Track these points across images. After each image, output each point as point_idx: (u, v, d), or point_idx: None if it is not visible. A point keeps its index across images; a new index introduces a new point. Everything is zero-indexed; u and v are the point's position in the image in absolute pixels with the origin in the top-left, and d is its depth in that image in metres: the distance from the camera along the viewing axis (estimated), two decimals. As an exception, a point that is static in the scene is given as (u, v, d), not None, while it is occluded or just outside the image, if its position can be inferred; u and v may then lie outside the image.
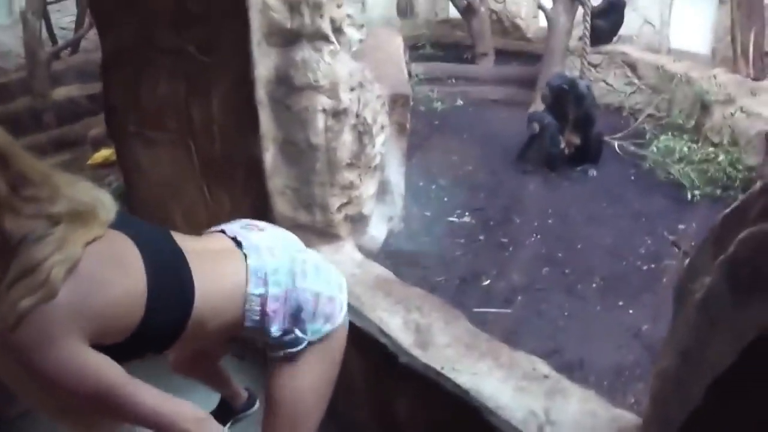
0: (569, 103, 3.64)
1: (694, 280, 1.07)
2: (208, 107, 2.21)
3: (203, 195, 2.46)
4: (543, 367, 1.67)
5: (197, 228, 2.50)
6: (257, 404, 2.34)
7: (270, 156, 2.13)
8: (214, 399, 2.25)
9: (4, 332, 1.01)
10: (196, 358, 1.80)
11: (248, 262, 1.36)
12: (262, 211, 2.20)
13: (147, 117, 2.43)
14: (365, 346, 1.86)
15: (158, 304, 1.17)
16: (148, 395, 1.15)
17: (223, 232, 1.50)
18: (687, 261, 1.20)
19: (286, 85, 2.03)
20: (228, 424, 2.23)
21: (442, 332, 1.86)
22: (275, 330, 1.37)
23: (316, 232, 2.20)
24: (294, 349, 1.39)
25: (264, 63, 2.02)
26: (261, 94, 2.05)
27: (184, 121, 2.34)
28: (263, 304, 1.35)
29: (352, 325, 1.59)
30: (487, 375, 1.63)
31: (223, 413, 2.24)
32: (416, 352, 1.73)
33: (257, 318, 1.36)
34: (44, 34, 5.95)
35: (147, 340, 1.22)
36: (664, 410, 1.14)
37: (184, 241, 1.34)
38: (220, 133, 2.24)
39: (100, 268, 1.09)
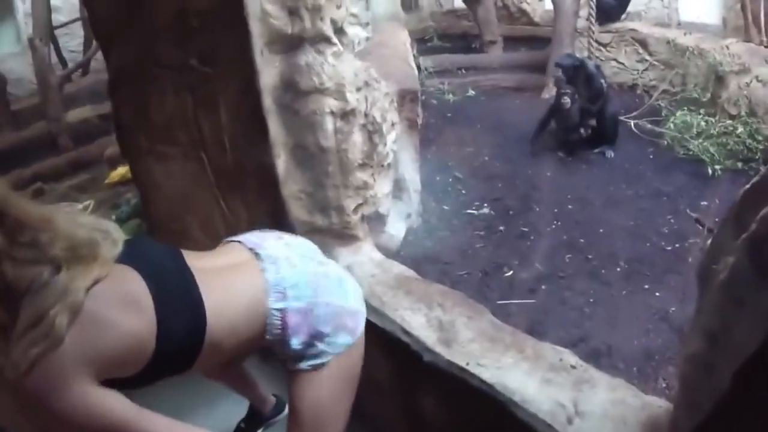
0: (582, 83, 3.57)
1: (718, 259, 1.04)
2: (217, 118, 2.22)
3: (219, 206, 2.47)
4: (569, 357, 1.64)
5: (215, 239, 2.51)
6: (286, 410, 2.35)
7: (282, 162, 2.13)
8: (243, 406, 2.27)
9: (17, 379, 1.04)
10: (223, 363, 1.80)
11: (266, 276, 1.36)
12: (278, 217, 2.21)
13: (157, 132, 2.44)
14: (389, 346, 1.85)
15: (169, 334, 1.19)
16: (161, 426, 1.18)
17: (240, 242, 1.49)
18: (709, 240, 1.17)
19: (293, 91, 2.03)
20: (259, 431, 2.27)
21: (465, 327, 1.84)
22: (296, 343, 1.37)
23: (334, 234, 2.19)
24: (317, 362, 1.40)
25: (268, 70, 2.02)
26: (268, 101, 2.05)
27: (195, 133, 2.35)
28: (284, 318, 1.35)
29: (374, 326, 1.59)
30: (513, 368, 1.60)
31: (254, 420, 2.25)
32: (440, 350, 1.71)
33: (278, 331, 1.36)
34: (54, 58, 6.05)
35: (164, 367, 1.23)
36: (694, 396, 1.11)
37: (196, 261, 1.34)
38: (231, 143, 2.25)
39: (104, 310, 1.11)
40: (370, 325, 1.57)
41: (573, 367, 1.61)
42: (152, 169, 2.61)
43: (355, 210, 2.15)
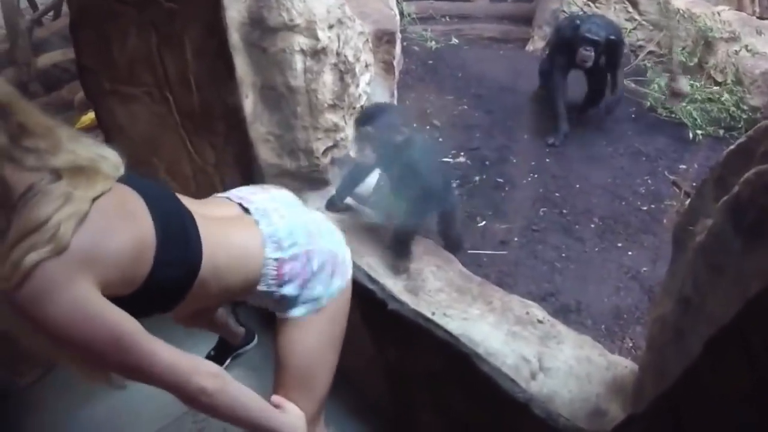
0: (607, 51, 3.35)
1: (695, 222, 1.00)
2: (182, 57, 2.11)
3: (186, 148, 2.39)
4: (537, 312, 1.62)
5: (183, 182, 2.47)
6: (255, 340, 2.36)
7: (250, 103, 2.05)
8: (212, 339, 2.29)
9: (8, 292, 0.96)
10: (197, 311, 1.76)
11: (260, 228, 1.35)
12: (246, 160, 2.14)
13: (120, 73, 2.33)
14: (355, 293, 1.81)
15: (166, 257, 1.14)
16: (164, 350, 1.11)
17: (228, 198, 1.47)
18: (687, 201, 1.12)
19: (260, 27, 1.93)
20: (227, 361, 2.33)
21: (433, 277, 1.81)
22: (290, 290, 1.36)
23: (303, 178, 2.14)
24: (314, 306, 1.38)
25: (235, 5, 1.92)
26: (234, 38, 1.95)
27: (159, 73, 2.24)
28: (279, 267, 1.34)
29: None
30: (479, 320, 1.58)
31: (223, 350, 2.33)
32: (406, 299, 1.68)
33: (273, 281, 1.34)
34: (24, 2, 5.79)
35: (153, 296, 1.18)
36: (661, 359, 1.08)
37: (191, 204, 1.31)
38: (197, 83, 2.15)
39: (109, 217, 1.06)
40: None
41: (540, 321, 1.59)
42: (116, 112, 2.50)
43: (325, 153, 2.08)
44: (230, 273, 1.30)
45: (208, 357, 2.34)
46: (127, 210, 1.11)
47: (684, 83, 3.65)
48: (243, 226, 1.35)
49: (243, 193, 1.48)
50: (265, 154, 2.12)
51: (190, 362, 1.14)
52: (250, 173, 2.15)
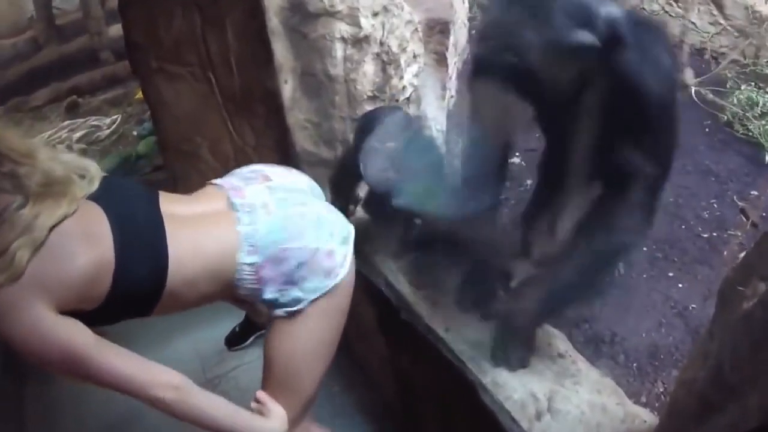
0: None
1: (747, 282, 0.84)
2: (224, 39, 2.09)
3: (227, 128, 2.39)
4: (560, 344, 1.47)
5: (225, 162, 2.46)
6: None
7: (289, 88, 1.99)
8: (239, 315, 2.33)
9: None
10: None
11: (239, 228, 1.30)
12: (284, 145, 2.10)
13: (166, 52, 2.36)
14: (373, 294, 1.73)
15: (126, 276, 1.18)
16: (119, 361, 1.17)
17: (222, 187, 1.43)
18: (742, 255, 0.96)
19: (301, 12, 1.86)
20: (251, 339, 2.41)
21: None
22: (270, 293, 1.33)
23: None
24: (294, 308, 1.34)
25: (275, -11, 1.85)
26: (274, 22, 1.89)
27: (203, 54, 2.25)
28: (257, 272, 1.30)
29: (358, 271, 1.47)
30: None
31: (249, 327, 2.39)
32: (422, 310, 1.57)
33: (252, 286, 1.32)
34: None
35: (118, 309, 1.24)
36: (681, 428, 0.93)
37: (171, 205, 1.32)
38: (238, 66, 2.13)
39: (66, 243, 1.13)
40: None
41: (560, 355, 1.45)
42: (162, 89, 2.53)
43: (362, 145, 2.00)
44: (203, 281, 1.28)
45: (233, 333, 2.43)
46: (88, 233, 1.16)
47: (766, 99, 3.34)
48: (221, 226, 1.32)
49: (240, 181, 1.44)
50: (303, 141, 2.07)
51: (149, 372, 1.19)
52: (287, 159, 2.10)
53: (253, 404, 1.34)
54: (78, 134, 4.04)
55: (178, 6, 2.14)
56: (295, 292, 1.33)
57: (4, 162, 1.11)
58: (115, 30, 5.47)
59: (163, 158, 2.97)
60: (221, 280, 1.30)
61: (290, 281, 1.32)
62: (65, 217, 1.14)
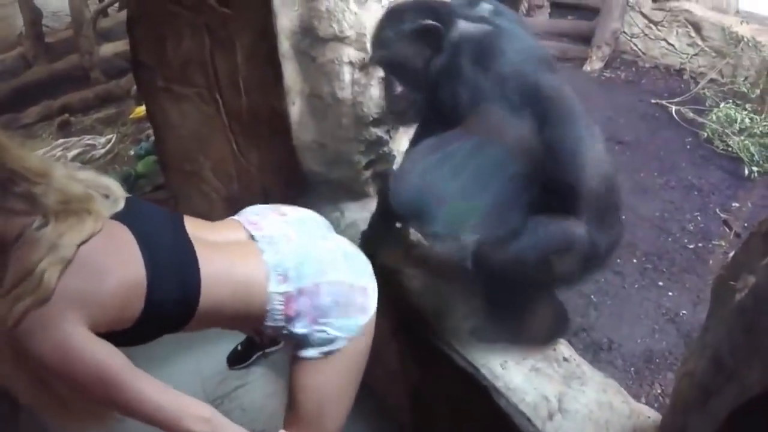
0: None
1: (737, 277, 0.93)
2: (233, 61, 2.15)
3: (232, 149, 2.43)
4: (564, 349, 1.55)
5: (227, 182, 2.51)
6: (282, 342, 2.37)
7: (296, 110, 2.06)
8: (240, 334, 2.30)
9: (5, 331, 1.01)
10: None
11: (264, 258, 1.28)
12: (290, 166, 2.15)
13: (173, 72, 2.40)
14: (385, 307, 1.78)
15: (159, 296, 1.14)
16: (152, 388, 1.11)
17: (239, 221, 1.42)
18: (732, 251, 1.06)
19: (311, 36, 1.93)
20: (253, 358, 2.36)
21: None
22: (300, 327, 1.28)
23: (344, 188, 2.13)
24: (330, 348, 1.29)
25: (286, 13, 1.92)
26: (285, 46, 1.96)
27: (210, 75, 2.30)
28: (287, 302, 1.27)
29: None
30: (503, 352, 1.52)
31: (249, 348, 2.35)
32: (430, 320, 1.64)
33: (280, 317, 1.27)
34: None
35: (148, 330, 1.19)
36: (684, 420, 1.02)
37: (197, 230, 1.29)
38: (246, 87, 2.18)
39: (96, 261, 1.08)
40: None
41: (566, 359, 1.53)
42: (167, 109, 2.57)
43: (367, 166, 2.07)
44: (232, 307, 1.25)
45: (235, 351, 2.39)
46: (116, 252, 1.12)
47: (743, 116, 3.50)
48: (247, 255, 1.29)
49: (255, 217, 1.42)
50: (309, 161, 2.12)
51: (180, 404, 1.12)
52: (292, 179, 2.16)
53: None
54: (73, 153, 4.05)
55: (188, 27, 2.18)
56: (333, 332, 1.28)
57: (18, 181, 1.06)
58: (106, 49, 5.55)
59: (165, 177, 3.00)
60: (249, 308, 1.26)
61: (324, 317, 1.28)
62: (92, 235, 1.09)
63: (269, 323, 1.28)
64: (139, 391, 1.09)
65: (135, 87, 4.42)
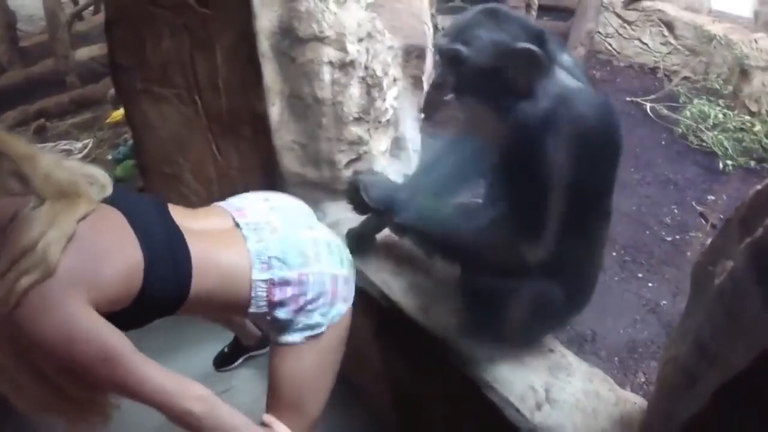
0: None
1: (716, 262, 0.95)
2: (213, 61, 2.14)
3: (212, 151, 2.41)
4: (549, 341, 1.58)
5: (207, 184, 2.50)
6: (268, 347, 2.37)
7: (276, 110, 2.06)
8: (227, 337, 2.31)
9: (4, 314, 1.00)
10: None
11: (248, 246, 1.31)
12: (270, 167, 2.15)
13: (153, 74, 2.37)
14: (368, 308, 1.80)
15: (156, 277, 1.16)
16: (152, 368, 1.13)
17: (223, 207, 1.45)
18: (709, 240, 1.08)
19: (291, 37, 1.94)
20: (239, 361, 2.34)
21: (447, 297, 1.78)
22: (283, 314, 1.31)
23: (324, 188, 2.13)
24: (313, 333, 1.34)
25: (266, 14, 1.93)
26: (264, 46, 1.96)
27: (190, 76, 2.28)
28: (270, 290, 1.30)
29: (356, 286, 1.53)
30: (489, 346, 1.54)
31: (237, 349, 2.34)
32: (418, 317, 1.66)
33: (263, 304, 1.31)
34: (66, -5, 5.93)
35: (143, 313, 1.20)
36: (670, 403, 1.04)
37: (183, 219, 1.31)
38: (225, 88, 2.18)
39: (96, 238, 1.09)
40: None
41: (551, 351, 1.55)
42: (146, 111, 2.54)
43: (347, 165, 2.07)
44: (219, 293, 1.27)
45: (221, 354, 2.37)
46: (112, 233, 1.14)
47: (716, 111, 3.58)
48: (231, 243, 1.32)
49: (241, 203, 1.45)
50: (289, 162, 2.13)
51: (179, 384, 1.15)
52: (273, 180, 2.16)
53: (261, 428, 1.33)
54: (49, 158, 3.98)
55: (167, 28, 2.16)
56: (315, 319, 1.33)
57: (3, 162, 1.07)
58: (81, 53, 5.48)
59: (144, 180, 2.97)
60: (235, 295, 1.29)
61: (309, 306, 1.32)
62: (87, 214, 1.10)
63: (253, 310, 1.31)
64: (141, 371, 1.10)
65: (111, 91, 4.39)
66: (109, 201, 1.19)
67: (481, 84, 1.23)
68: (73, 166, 1.21)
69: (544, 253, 1.24)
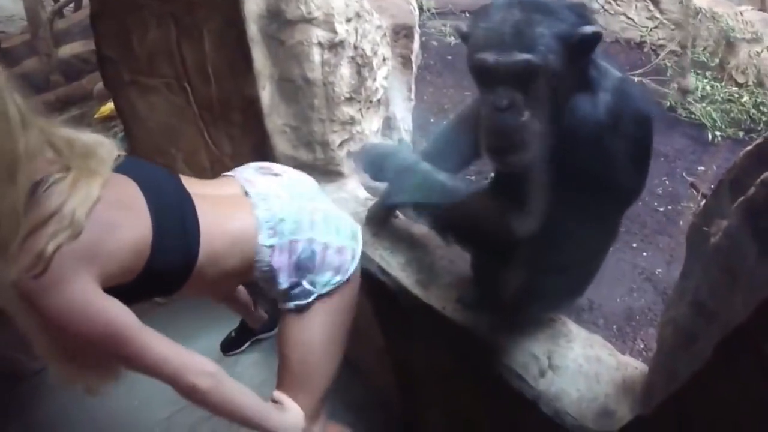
0: None
1: (710, 223, 0.96)
2: (201, 48, 2.13)
3: (203, 139, 2.41)
4: (548, 310, 1.60)
5: (200, 173, 2.49)
6: (277, 328, 2.38)
7: (267, 94, 2.06)
8: (235, 320, 2.34)
9: (24, 281, 1.00)
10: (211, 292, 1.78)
11: (256, 213, 1.34)
12: (263, 151, 2.15)
13: (140, 64, 2.37)
14: (367, 285, 1.81)
15: (163, 246, 1.17)
16: (158, 343, 1.15)
17: (234, 177, 1.48)
18: (702, 203, 1.09)
19: (279, 20, 1.93)
20: (246, 345, 2.38)
21: (445, 271, 1.80)
22: (283, 281, 1.36)
23: (319, 170, 2.14)
24: (303, 302, 1.37)
25: (254, -3, 1.92)
26: (253, 30, 1.96)
27: (178, 65, 2.27)
28: (272, 255, 1.34)
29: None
30: (489, 316, 1.56)
31: (244, 333, 2.37)
32: (417, 292, 1.67)
33: (266, 269, 1.35)
34: (46, -7, 5.86)
35: (151, 284, 1.21)
36: (672, 362, 1.05)
37: (192, 185, 1.33)
38: (215, 75, 2.17)
39: (110, 211, 1.10)
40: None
41: (551, 319, 1.57)
42: (135, 102, 2.53)
43: (341, 145, 2.08)
44: (226, 258, 1.30)
45: (229, 338, 2.41)
46: (126, 202, 1.15)
47: (704, 84, 3.61)
48: (240, 208, 1.35)
49: (250, 175, 1.48)
50: (282, 145, 2.13)
51: (185, 359, 1.17)
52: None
53: (271, 404, 1.36)
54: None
55: (153, 17, 2.16)
56: (305, 285, 1.36)
57: (30, 128, 1.05)
58: (64, 51, 5.42)
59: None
60: (240, 259, 1.32)
61: (300, 273, 1.36)
62: (106, 182, 1.11)
63: (257, 274, 1.35)
64: (149, 345, 1.13)
65: (96, 87, 4.35)
66: (124, 168, 1.20)
67: (554, 89, 1.06)
68: (89, 135, 1.22)
69: (582, 244, 1.21)
